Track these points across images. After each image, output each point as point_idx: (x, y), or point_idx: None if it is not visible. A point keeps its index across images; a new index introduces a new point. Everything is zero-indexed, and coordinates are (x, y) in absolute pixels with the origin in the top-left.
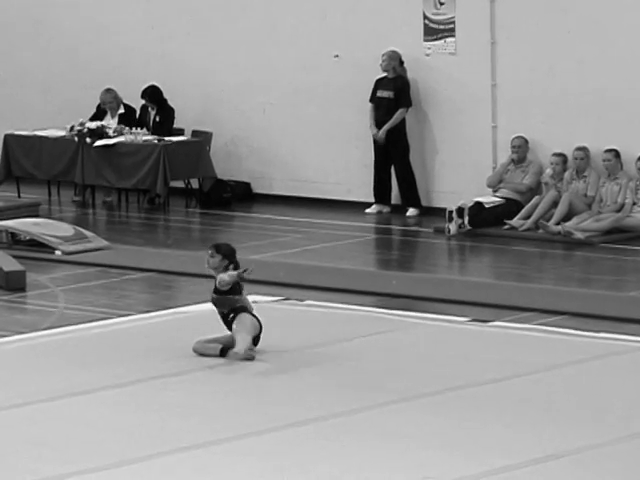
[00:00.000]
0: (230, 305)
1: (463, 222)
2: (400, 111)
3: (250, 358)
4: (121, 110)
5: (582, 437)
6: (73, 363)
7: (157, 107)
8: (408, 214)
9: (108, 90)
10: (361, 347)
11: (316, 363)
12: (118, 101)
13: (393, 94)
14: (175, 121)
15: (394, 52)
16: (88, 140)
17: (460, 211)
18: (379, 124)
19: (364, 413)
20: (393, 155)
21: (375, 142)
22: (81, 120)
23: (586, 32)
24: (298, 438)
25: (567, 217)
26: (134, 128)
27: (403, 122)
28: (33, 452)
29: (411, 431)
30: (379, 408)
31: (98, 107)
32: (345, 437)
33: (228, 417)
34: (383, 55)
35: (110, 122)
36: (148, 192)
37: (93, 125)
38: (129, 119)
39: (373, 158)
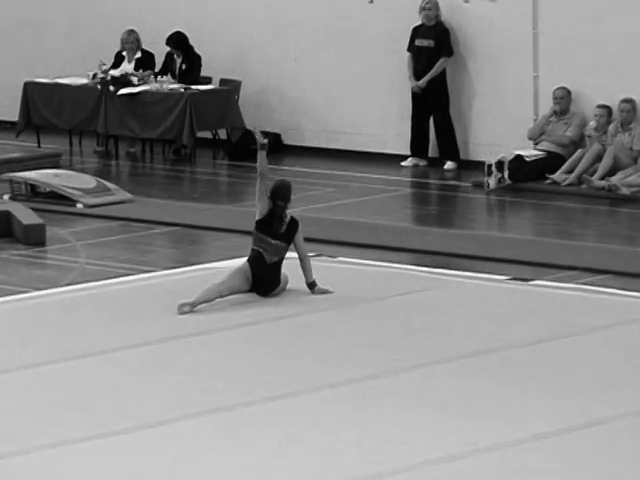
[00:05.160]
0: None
1: (503, 176)
2: (441, 60)
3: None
4: (138, 54)
5: (626, 403)
6: (94, 321)
7: (183, 54)
8: (446, 167)
9: (131, 31)
10: (394, 306)
11: (347, 322)
12: (138, 44)
13: (434, 42)
14: (202, 69)
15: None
16: (111, 88)
17: (500, 165)
18: (418, 74)
19: (397, 375)
20: (433, 107)
21: (413, 93)
22: (103, 64)
23: None
24: (328, 401)
25: (611, 171)
26: (159, 76)
27: (444, 72)
28: (52, 414)
29: (446, 395)
30: (413, 371)
31: (117, 55)
32: (377, 400)
33: (255, 379)
34: (427, 3)
35: (127, 66)
36: (174, 143)
37: (117, 73)
38: (146, 64)
39: (410, 110)
